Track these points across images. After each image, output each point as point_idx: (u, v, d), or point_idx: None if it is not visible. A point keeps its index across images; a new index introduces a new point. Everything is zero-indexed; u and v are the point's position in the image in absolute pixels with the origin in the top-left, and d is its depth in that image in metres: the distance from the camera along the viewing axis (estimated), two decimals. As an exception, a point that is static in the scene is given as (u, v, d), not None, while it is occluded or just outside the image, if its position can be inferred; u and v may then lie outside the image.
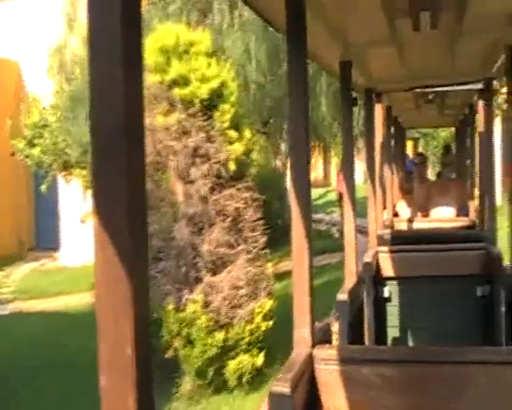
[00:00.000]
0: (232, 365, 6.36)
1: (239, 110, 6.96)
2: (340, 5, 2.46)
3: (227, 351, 6.35)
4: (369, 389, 2.06)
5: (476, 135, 6.38)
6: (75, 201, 14.50)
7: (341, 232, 11.53)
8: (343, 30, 2.86)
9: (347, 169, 3.54)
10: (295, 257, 2.16)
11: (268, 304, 6.62)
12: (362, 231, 4.99)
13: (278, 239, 13.63)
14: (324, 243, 14.04)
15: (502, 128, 14.53)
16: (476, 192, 6.40)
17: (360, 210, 4.26)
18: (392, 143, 7.46)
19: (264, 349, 6.64)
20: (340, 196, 12.27)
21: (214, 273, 6.44)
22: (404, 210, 7.09)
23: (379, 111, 5.46)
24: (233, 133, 6.62)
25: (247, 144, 6.77)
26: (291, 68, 2.13)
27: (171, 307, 6.36)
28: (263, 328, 6.51)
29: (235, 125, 6.72)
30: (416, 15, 2.40)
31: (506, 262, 3.88)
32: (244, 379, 6.42)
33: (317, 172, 30.44)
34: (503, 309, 3.64)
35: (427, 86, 4.93)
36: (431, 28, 2.54)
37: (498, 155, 13.30)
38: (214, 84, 6.48)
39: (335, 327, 3.13)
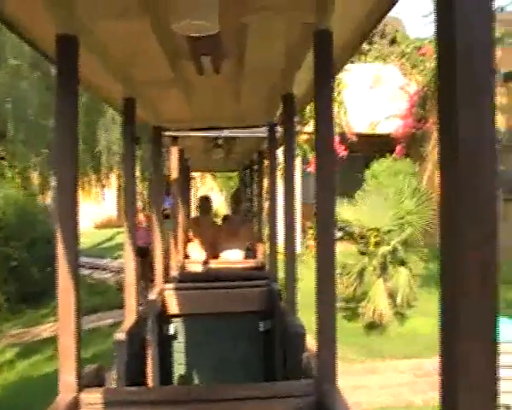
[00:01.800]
0: None
1: None
2: (119, 41, 2.43)
3: None
4: None
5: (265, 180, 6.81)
6: None
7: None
8: (124, 66, 2.82)
9: (129, 209, 3.40)
10: (60, 297, 2.11)
11: None
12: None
13: (48, 291, 11.11)
14: (100, 297, 11.90)
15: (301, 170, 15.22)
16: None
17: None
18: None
19: None
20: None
21: None
22: (194, 252, 7.06)
23: (175, 154, 5.71)
24: None
25: None
26: (60, 102, 2.12)
27: None
28: None
29: None
30: (197, 60, 2.50)
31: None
32: None
33: (109, 210, 28.20)
34: (281, 343, 3.68)
35: (214, 129, 5.07)
36: (214, 73, 2.71)
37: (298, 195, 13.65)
38: None
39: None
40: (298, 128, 13.41)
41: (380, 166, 14.48)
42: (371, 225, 9.08)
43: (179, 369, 4.49)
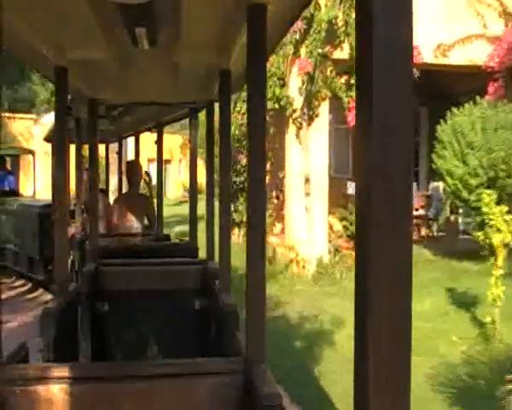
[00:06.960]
0: None
1: None
2: (50, 9, 2.35)
3: None
4: (58, 409, 2.09)
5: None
6: None
7: None
8: (56, 34, 2.76)
9: (60, 182, 3.35)
10: None
11: None
12: None
13: None
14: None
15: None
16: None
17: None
18: None
19: None
20: None
21: None
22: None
23: None
24: None
25: None
26: None
27: None
28: None
29: None
30: (132, 31, 2.41)
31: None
32: None
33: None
34: (215, 322, 3.70)
35: (152, 103, 5.00)
36: (150, 46, 2.58)
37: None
38: None
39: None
40: (325, 50, 10.11)
41: (468, 114, 8.77)
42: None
43: (114, 346, 4.44)
